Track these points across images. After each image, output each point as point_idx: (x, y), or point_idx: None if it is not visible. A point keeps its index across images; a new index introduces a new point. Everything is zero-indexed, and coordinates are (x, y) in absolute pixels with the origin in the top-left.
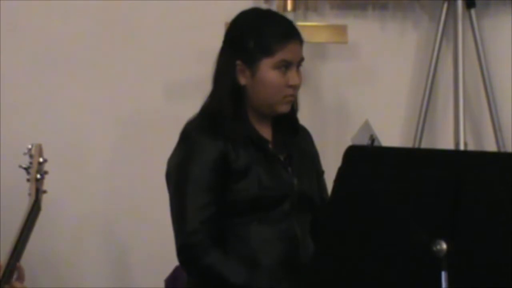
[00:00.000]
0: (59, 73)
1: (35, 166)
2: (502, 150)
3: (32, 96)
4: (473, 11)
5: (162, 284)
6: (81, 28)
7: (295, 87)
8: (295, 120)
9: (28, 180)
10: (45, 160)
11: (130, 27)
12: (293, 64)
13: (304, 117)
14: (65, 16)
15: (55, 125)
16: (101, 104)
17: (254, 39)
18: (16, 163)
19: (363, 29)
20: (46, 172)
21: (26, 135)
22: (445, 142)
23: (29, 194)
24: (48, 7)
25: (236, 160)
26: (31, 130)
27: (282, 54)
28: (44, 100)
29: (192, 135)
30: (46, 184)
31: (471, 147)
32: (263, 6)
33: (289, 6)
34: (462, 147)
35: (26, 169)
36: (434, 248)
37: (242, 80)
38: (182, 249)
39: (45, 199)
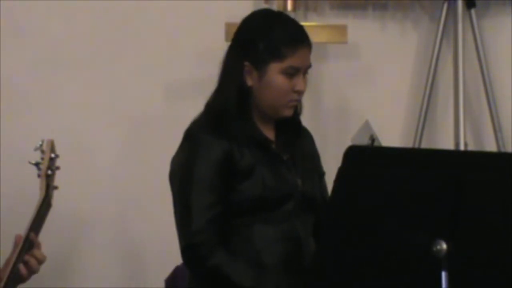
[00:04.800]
0: (59, 73)
1: (46, 161)
2: (502, 150)
3: (32, 97)
4: (473, 11)
5: (162, 284)
6: (81, 28)
7: (300, 93)
8: (298, 122)
9: (39, 175)
10: (56, 156)
11: (130, 27)
12: (301, 70)
13: (304, 117)
14: (65, 16)
15: (55, 125)
16: (101, 104)
17: (264, 42)
18: (17, 163)
19: (363, 29)
20: (57, 168)
21: (26, 135)
22: (445, 142)
23: (40, 190)
24: (48, 7)
25: (240, 160)
26: (31, 130)
27: (291, 60)
28: (45, 101)
29: (196, 135)
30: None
31: (471, 147)
32: (263, 6)
33: (289, 6)
34: (462, 147)
35: (37, 165)
36: (434, 248)
37: (249, 82)
38: (188, 249)
39: None
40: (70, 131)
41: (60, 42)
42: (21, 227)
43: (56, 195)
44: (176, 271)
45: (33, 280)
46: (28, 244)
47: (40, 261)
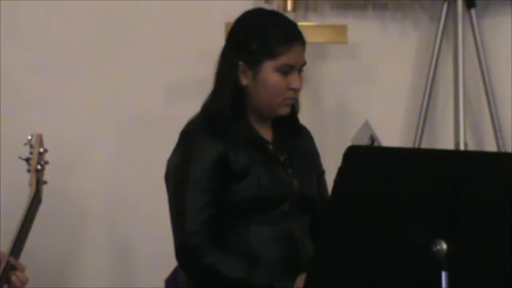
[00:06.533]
0: (59, 73)
1: (35, 156)
2: (502, 150)
3: (32, 96)
4: (473, 11)
5: (162, 284)
6: (81, 28)
7: (296, 90)
8: (296, 121)
9: (28, 171)
10: (45, 150)
11: (130, 27)
12: (295, 68)
13: (304, 117)
14: (65, 16)
15: (55, 125)
16: (101, 104)
17: (257, 41)
18: (17, 162)
19: (363, 29)
20: (46, 162)
21: (26, 135)
22: (445, 142)
23: (30, 185)
24: (48, 7)
25: (235, 161)
26: (31, 129)
27: (286, 58)
28: (44, 100)
29: (191, 136)
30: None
31: (471, 147)
32: (264, 6)
33: (289, 6)
34: (462, 147)
35: (27, 160)
36: (434, 248)
37: (244, 81)
38: (182, 250)
39: (45, 199)
40: (69, 130)
41: (60, 42)
42: (13, 221)
43: (56, 194)
44: (176, 271)
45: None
46: (9, 267)
47: (23, 283)
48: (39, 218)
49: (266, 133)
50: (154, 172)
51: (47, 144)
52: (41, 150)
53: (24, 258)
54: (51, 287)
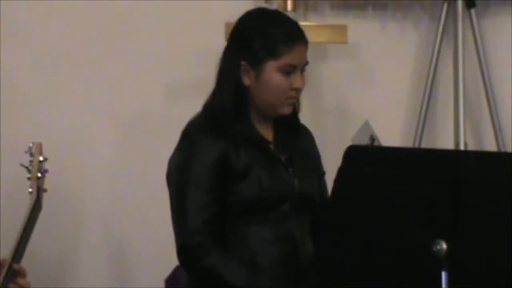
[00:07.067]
0: (59, 73)
1: (35, 164)
2: (502, 150)
3: (32, 96)
4: (473, 11)
5: (162, 284)
6: (81, 28)
7: (298, 90)
8: (297, 121)
9: (29, 178)
10: (45, 159)
11: (130, 27)
12: (298, 67)
13: (304, 117)
14: (65, 16)
15: (55, 125)
16: (101, 105)
17: (260, 40)
18: (17, 162)
19: (363, 29)
20: (46, 171)
21: (26, 135)
22: (445, 142)
23: (30, 193)
24: (48, 7)
25: (236, 161)
26: (31, 129)
27: (288, 58)
28: (44, 100)
29: (193, 135)
30: (46, 184)
31: (471, 147)
32: (264, 6)
33: (289, 6)
34: (462, 147)
35: (27, 168)
36: (434, 248)
37: (246, 81)
38: (183, 250)
39: (44, 199)
40: (69, 131)
41: (60, 42)
42: (17, 227)
43: (55, 194)
44: (176, 271)
45: (28, 279)
46: (11, 272)
47: None
48: (39, 217)
49: (267, 133)
50: (154, 172)
51: (46, 144)
52: (41, 158)
53: (23, 259)
54: (50, 287)
